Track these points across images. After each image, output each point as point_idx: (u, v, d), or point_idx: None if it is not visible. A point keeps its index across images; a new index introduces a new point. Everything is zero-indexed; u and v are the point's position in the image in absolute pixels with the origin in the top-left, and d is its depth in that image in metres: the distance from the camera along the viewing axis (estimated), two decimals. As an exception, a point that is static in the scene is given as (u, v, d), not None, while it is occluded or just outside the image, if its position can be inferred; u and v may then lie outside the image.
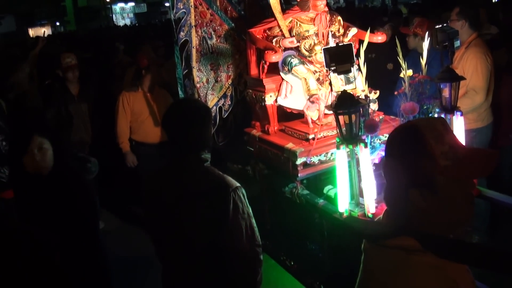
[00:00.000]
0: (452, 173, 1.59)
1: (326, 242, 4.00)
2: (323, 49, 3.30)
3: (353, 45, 3.30)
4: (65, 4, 37.16)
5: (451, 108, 3.75)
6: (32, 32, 31.66)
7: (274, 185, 4.41)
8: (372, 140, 3.57)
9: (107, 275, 3.85)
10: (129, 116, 5.69)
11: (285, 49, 4.17)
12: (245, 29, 4.66)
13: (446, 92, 3.75)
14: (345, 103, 3.18)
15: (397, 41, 3.84)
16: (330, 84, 3.58)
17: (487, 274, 1.81)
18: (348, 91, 3.27)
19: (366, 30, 3.99)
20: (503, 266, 1.56)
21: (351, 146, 3.28)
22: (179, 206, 2.74)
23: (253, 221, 2.84)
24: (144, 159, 5.77)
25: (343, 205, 3.39)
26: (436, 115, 3.76)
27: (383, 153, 3.54)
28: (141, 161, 5.78)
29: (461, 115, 3.78)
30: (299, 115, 4.31)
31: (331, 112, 3.68)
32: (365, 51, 3.54)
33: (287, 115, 4.42)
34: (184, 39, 4.66)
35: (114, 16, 41.46)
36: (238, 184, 2.80)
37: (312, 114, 4.11)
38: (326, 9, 4.26)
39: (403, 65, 3.72)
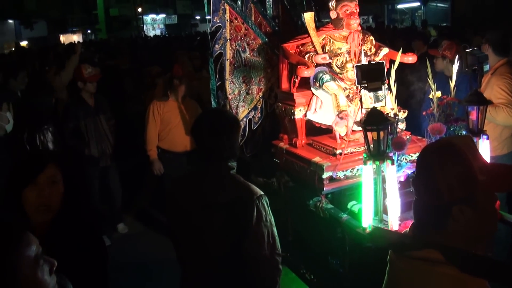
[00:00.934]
0: (488, 187, 1.65)
1: (348, 258, 4.04)
2: (355, 66, 3.38)
3: (384, 64, 3.37)
4: (97, 13, 37.83)
5: (478, 131, 3.79)
6: (63, 38, 32.27)
7: (298, 197, 4.48)
8: (398, 158, 3.63)
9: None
10: (159, 124, 5.84)
11: (317, 65, 4.27)
12: (278, 44, 4.78)
13: (473, 115, 3.79)
14: (374, 120, 3.25)
15: (427, 62, 3.90)
16: (360, 100, 3.66)
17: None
18: (377, 108, 3.34)
19: (396, 50, 4.07)
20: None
21: (378, 163, 3.35)
22: (204, 211, 2.82)
23: (275, 230, 2.91)
24: (169, 167, 5.90)
25: (367, 221, 3.45)
26: (463, 138, 3.80)
27: (409, 172, 3.61)
28: (166, 168, 5.92)
29: (487, 138, 3.82)
30: (327, 130, 4.38)
31: (359, 129, 3.77)
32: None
33: (315, 130, 4.50)
34: (219, 51, 4.79)
35: (144, 26, 42.04)
36: (262, 192, 2.88)
37: (340, 130, 4.18)
38: (359, 28, 4.36)
39: (433, 86, 3.79)
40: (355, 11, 4.28)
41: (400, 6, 29.45)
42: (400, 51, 4.02)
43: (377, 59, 4.32)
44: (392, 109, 3.71)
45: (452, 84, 3.90)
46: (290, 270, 4.63)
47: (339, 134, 4.20)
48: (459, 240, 1.70)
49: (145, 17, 42.82)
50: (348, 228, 3.76)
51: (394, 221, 3.40)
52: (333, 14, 4.32)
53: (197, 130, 2.96)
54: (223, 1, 4.72)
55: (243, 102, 4.98)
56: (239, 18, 4.80)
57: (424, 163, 1.80)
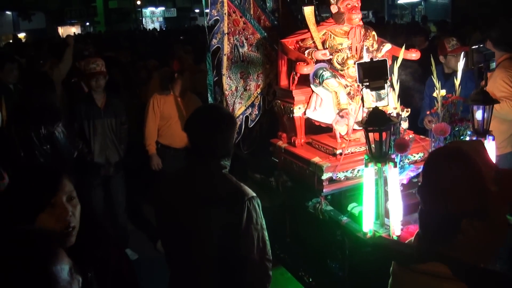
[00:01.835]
0: (500, 198, 1.52)
1: (347, 261, 3.91)
2: (357, 63, 3.24)
3: (387, 61, 3.22)
4: (95, 5, 37.57)
5: (483, 132, 3.64)
6: (61, 30, 32.06)
7: (297, 198, 4.34)
8: (401, 160, 3.49)
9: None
10: (158, 119, 5.68)
11: (317, 61, 4.12)
12: (278, 39, 4.63)
13: (478, 115, 3.66)
14: (376, 120, 3.11)
15: (432, 60, 3.77)
16: (362, 99, 3.53)
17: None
18: (379, 107, 3.20)
19: (398, 47, 3.93)
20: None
21: (379, 165, 3.21)
22: (192, 211, 2.72)
23: (266, 234, 2.79)
24: (168, 163, 5.74)
25: (368, 225, 3.32)
26: (467, 138, 3.67)
27: (411, 174, 3.48)
28: (166, 164, 5.76)
29: (493, 139, 3.68)
30: (327, 129, 4.25)
31: (360, 128, 3.63)
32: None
33: (314, 128, 4.37)
34: (216, 46, 4.65)
35: (143, 19, 41.79)
36: (254, 194, 2.76)
37: (340, 129, 4.05)
38: (361, 23, 4.21)
39: (437, 84, 3.65)
40: (356, 5, 4.13)
41: (400, 1, 29.25)
42: (403, 47, 3.88)
43: (379, 56, 4.18)
44: (395, 108, 3.56)
45: (457, 82, 3.76)
46: (287, 271, 4.51)
47: (340, 133, 4.06)
48: (468, 253, 1.59)
49: (144, 10, 42.53)
50: (348, 231, 3.64)
51: (396, 226, 3.26)
52: (334, 8, 4.17)
53: (189, 126, 2.87)
54: None
55: (240, 98, 4.83)
56: (237, 12, 4.64)
57: (431, 172, 1.68)
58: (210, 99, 4.73)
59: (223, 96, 4.72)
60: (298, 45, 4.30)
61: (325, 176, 3.81)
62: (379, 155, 3.21)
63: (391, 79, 3.54)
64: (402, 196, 3.29)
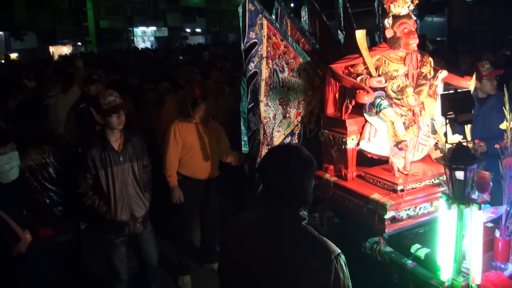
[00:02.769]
0: None
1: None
2: (441, 95, 2.92)
3: (471, 93, 2.91)
4: (87, 25, 37.32)
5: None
6: (53, 49, 31.72)
7: (345, 236, 3.98)
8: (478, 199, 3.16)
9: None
10: (180, 148, 5.24)
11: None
12: (320, 63, 4.32)
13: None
14: (461, 157, 2.80)
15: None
16: (418, 129, 3.20)
17: None
18: (462, 143, 2.88)
19: None
20: None
21: (463, 206, 2.87)
22: (270, 272, 2.32)
23: None
24: (190, 196, 5.33)
25: (446, 273, 2.97)
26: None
27: (493, 216, 3.16)
28: (187, 197, 5.33)
29: None
30: (378, 161, 3.93)
31: (417, 159, 3.30)
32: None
33: (361, 159, 4.05)
34: (253, 70, 4.31)
35: (135, 38, 41.55)
36: (339, 250, 2.39)
37: (397, 162, 3.73)
38: (416, 48, 3.91)
39: (508, 116, 3.32)
40: (413, 29, 3.84)
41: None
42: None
43: (436, 83, 3.89)
44: (470, 142, 3.23)
45: None
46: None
47: (397, 167, 3.73)
48: None
49: (135, 29, 42.30)
50: (415, 277, 3.29)
51: (477, 274, 2.91)
52: (389, 33, 3.87)
53: (264, 169, 2.47)
54: (260, 15, 4.23)
55: (278, 126, 4.47)
56: (278, 35, 4.31)
57: None
58: (243, 127, 4.38)
59: (260, 124, 4.37)
60: (347, 71, 4.00)
61: (388, 215, 3.47)
62: (461, 196, 2.88)
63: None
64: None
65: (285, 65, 4.37)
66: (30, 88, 7.88)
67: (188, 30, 48.30)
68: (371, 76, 3.86)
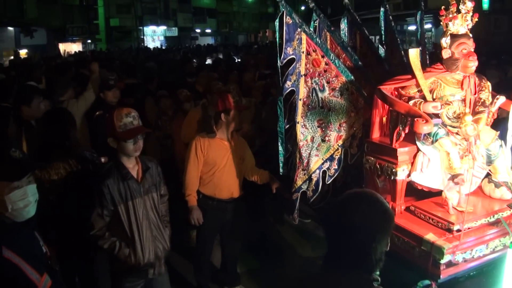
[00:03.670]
0: None
1: None
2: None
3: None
4: (97, 23, 37.09)
5: None
6: (62, 47, 31.52)
7: (388, 275, 3.62)
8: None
9: None
10: (201, 165, 4.84)
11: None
12: (362, 82, 3.97)
13: None
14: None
15: None
16: (473, 160, 2.88)
17: None
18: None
19: None
20: None
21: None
22: None
23: None
24: (210, 217, 4.90)
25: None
26: None
27: None
28: (207, 218, 4.89)
29: None
30: (426, 193, 3.59)
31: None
32: None
33: (407, 189, 3.70)
34: (290, 89, 3.97)
35: (145, 37, 41.31)
36: None
37: (451, 197, 3.38)
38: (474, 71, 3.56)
39: None
40: (472, 50, 3.48)
41: (410, 28, 28.80)
42: None
43: (493, 110, 3.54)
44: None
45: None
46: None
47: (452, 203, 3.38)
48: None
49: (145, 29, 42.03)
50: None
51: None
52: (446, 53, 3.52)
53: (337, 225, 2.04)
54: (299, 30, 3.89)
55: (317, 150, 4.11)
56: (318, 51, 3.95)
57: None
58: (280, 148, 4.04)
59: (296, 146, 4.02)
60: (397, 93, 3.65)
61: (444, 259, 3.11)
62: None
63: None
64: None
65: (325, 84, 4.01)
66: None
67: (198, 30, 48.06)
68: (425, 100, 3.51)
